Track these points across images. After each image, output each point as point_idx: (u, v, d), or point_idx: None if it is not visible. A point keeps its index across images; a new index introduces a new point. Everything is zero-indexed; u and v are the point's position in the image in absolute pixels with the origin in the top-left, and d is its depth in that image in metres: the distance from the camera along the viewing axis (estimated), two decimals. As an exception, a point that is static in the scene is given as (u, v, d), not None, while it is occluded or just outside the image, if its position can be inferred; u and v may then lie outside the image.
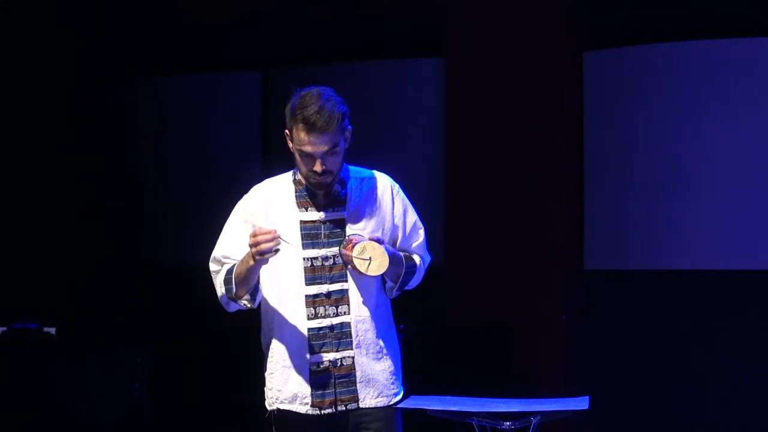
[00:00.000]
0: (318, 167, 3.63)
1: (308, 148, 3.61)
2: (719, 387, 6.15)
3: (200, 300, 7.27)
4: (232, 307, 3.79)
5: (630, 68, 6.46)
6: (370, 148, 6.64)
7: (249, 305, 3.75)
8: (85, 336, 6.99)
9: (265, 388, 3.83)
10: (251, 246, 3.52)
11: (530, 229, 6.51)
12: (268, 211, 3.75)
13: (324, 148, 3.61)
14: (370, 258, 3.59)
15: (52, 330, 6.53)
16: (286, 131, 3.68)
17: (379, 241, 3.63)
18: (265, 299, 3.77)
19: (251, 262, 3.58)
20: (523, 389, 4.61)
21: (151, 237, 7.66)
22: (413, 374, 4.37)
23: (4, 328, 6.49)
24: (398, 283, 3.80)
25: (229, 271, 3.72)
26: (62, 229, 7.69)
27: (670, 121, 6.32)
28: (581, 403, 3.65)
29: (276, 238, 3.49)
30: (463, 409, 3.64)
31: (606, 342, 6.42)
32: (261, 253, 3.50)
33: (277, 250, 3.51)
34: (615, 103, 6.49)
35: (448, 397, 3.82)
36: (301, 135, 3.61)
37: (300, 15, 7.17)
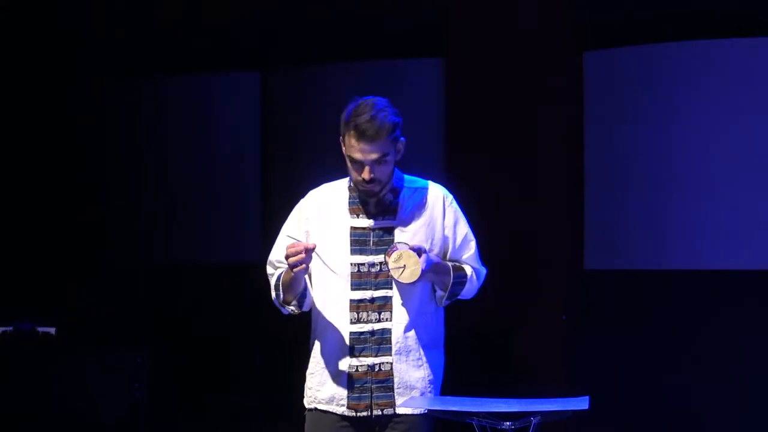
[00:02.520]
0: (366, 175, 3.71)
1: (357, 155, 3.70)
2: (719, 387, 6.15)
3: (200, 300, 7.29)
4: (284, 311, 3.88)
5: (630, 68, 6.45)
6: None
7: (296, 311, 3.85)
8: (85, 336, 6.99)
9: (305, 386, 3.90)
10: (285, 258, 3.64)
11: (530, 229, 6.51)
12: (322, 216, 3.84)
13: (373, 156, 3.69)
14: (404, 265, 3.63)
15: (52, 330, 6.53)
16: (340, 138, 3.75)
17: (420, 250, 3.68)
18: (313, 301, 3.85)
19: (291, 273, 3.68)
20: (523, 389, 4.60)
21: (151, 237, 7.66)
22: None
23: (4, 328, 6.48)
24: (447, 292, 3.86)
25: (278, 278, 3.83)
26: (62, 229, 7.68)
27: (670, 121, 6.32)
28: (581, 403, 3.64)
29: (303, 252, 3.57)
30: (463, 409, 3.64)
31: (606, 342, 6.41)
32: (292, 266, 3.61)
33: (306, 264, 3.60)
34: (615, 103, 6.49)
35: (448, 397, 3.82)
36: (352, 141, 3.69)
37: (300, 15, 7.17)
